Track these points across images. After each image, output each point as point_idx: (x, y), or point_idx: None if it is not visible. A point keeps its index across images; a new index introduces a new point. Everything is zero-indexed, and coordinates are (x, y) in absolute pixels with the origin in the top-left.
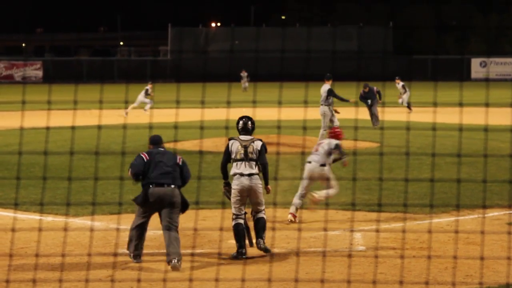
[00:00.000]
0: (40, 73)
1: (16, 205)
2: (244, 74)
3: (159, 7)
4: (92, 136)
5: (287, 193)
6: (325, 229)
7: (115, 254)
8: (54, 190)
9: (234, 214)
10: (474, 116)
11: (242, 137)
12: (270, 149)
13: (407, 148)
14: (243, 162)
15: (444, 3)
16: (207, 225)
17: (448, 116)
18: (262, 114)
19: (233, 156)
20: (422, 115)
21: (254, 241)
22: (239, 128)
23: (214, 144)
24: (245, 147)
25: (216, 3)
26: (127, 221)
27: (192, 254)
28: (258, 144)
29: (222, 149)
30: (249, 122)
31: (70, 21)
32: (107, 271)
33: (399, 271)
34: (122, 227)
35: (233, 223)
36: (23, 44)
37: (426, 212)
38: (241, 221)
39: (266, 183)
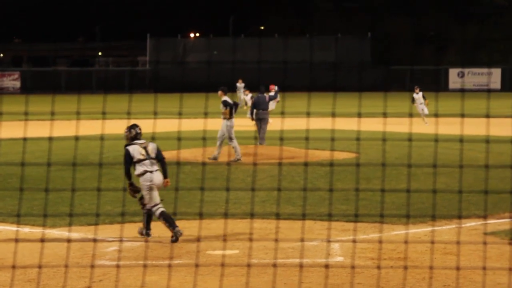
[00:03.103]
0: (18, 84)
1: None
2: (241, 84)
3: (138, 17)
4: (70, 146)
5: (265, 204)
6: (302, 240)
7: (93, 266)
8: (31, 201)
9: (153, 205)
10: (451, 127)
11: (138, 142)
12: (248, 159)
13: (384, 159)
14: (147, 161)
15: (422, 14)
16: (185, 236)
17: (425, 126)
18: (240, 124)
19: (135, 159)
20: (399, 126)
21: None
22: (133, 135)
23: (192, 155)
24: (145, 148)
25: (194, 14)
26: (105, 232)
27: (170, 265)
28: (153, 145)
29: (200, 159)
30: (138, 128)
31: (48, 31)
32: (85, 282)
33: (377, 281)
34: (99, 238)
35: (157, 213)
36: (1, 54)
37: (403, 222)
38: (163, 209)
39: (165, 177)
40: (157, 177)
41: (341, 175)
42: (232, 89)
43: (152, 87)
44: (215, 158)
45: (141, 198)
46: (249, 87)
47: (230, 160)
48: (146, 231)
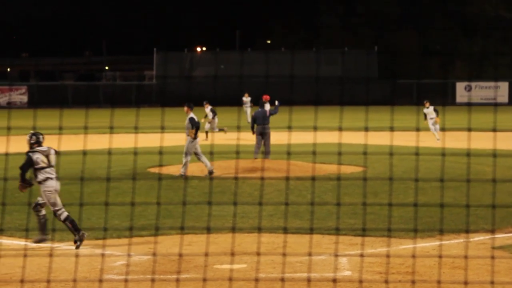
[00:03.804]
0: (25, 98)
1: (1, 231)
2: (247, 98)
3: (144, 31)
4: (77, 161)
5: (272, 218)
6: (310, 254)
7: (101, 280)
8: None
9: (58, 209)
10: (458, 140)
11: (40, 149)
12: (255, 174)
13: (392, 173)
14: (48, 168)
15: (429, 27)
16: (193, 250)
17: (432, 140)
18: (248, 138)
19: (38, 166)
20: (406, 139)
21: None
22: (34, 141)
23: (199, 168)
24: (47, 156)
25: (201, 28)
26: (112, 246)
27: (177, 280)
28: (53, 152)
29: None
30: (41, 136)
31: (55, 46)
32: None
33: None
34: (107, 253)
35: (63, 216)
36: (8, 69)
37: (411, 237)
38: (67, 212)
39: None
40: (58, 183)
41: (348, 189)
42: (239, 103)
43: (158, 101)
44: (182, 175)
45: (37, 203)
46: (255, 101)
47: (206, 175)
48: (80, 234)
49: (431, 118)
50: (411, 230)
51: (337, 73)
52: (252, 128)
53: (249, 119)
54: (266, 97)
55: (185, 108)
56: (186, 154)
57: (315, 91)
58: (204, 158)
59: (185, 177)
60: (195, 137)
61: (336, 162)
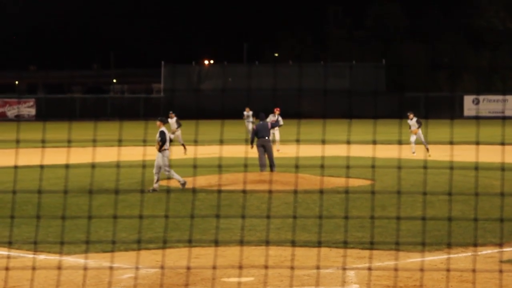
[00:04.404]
0: (33, 111)
1: (10, 244)
2: (248, 112)
3: (152, 44)
4: (85, 174)
5: (280, 231)
6: (318, 267)
7: None
8: (47, 228)
9: None
10: (466, 153)
11: None
12: (263, 187)
13: (400, 186)
14: None
15: (437, 40)
16: (200, 263)
17: (440, 153)
18: (256, 151)
19: None
20: (415, 153)
21: None
22: None
23: (207, 182)
24: None
25: (209, 41)
26: (120, 259)
27: None
28: None
29: (215, 187)
30: None
31: (63, 59)
32: None
33: None
34: (115, 265)
35: None
36: (16, 82)
37: (419, 250)
38: None
39: None
40: None
41: (356, 202)
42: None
43: (166, 114)
44: (154, 190)
45: None
46: (265, 114)
47: (181, 188)
48: None
49: (411, 131)
50: (419, 243)
51: (345, 86)
52: (252, 141)
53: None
54: (277, 110)
55: (158, 123)
56: (166, 169)
57: (323, 104)
58: (172, 172)
59: (184, 184)
60: (159, 150)
61: (344, 175)
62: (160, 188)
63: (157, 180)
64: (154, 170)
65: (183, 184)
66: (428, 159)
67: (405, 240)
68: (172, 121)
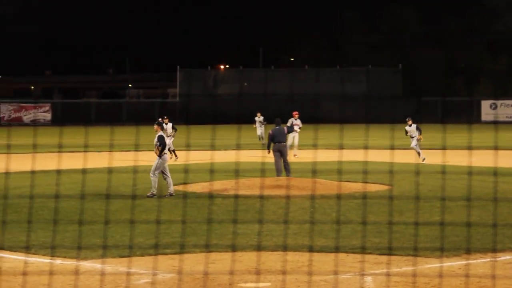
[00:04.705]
0: (48, 116)
1: (27, 248)
2: (259, 118)
3: (168, 49)
4: (102, 178)
5: (297, 236)
6: (335, 273)
7: None
8: (63, 233)
9: None
10: (485, 158)
11: None
12: (279, 192)
13: (418, 191)
14: None
15: (453, 45)
16: (217, 268)
17: (458, 158)
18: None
19: None
20: (432, 158)
21: None
22: None
23: (223, 186)
24: None
25: (224, 46)
26: (136, 264)
27: None
28: None
29: (231, 192)
30: None
31: (78, 63)
32: None
33: None
34: (131, 270)
35: None
36: (32, 87)
37: (437, 256)
38: None
39: None
40: None
41: (373, 208)
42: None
43: (182, 118)
44: (153, 195)
45: None
46: (284, 118)
47: (147, 195)
48: None
49: (412, 137)
50: (437, 249)
51: (362, 91)
52: (268, 146)
53: (262, 139)
54: (295, 114)
55: (155, 127)
56: (164, 174)
57: (340, 109)
58: (169, 179)
59: (170, 195)
60: (160, 155)
61: (361, 180)
62: (176, 193)
63: (170, 184)
64: (163, 177)
65: (152, 195)
66: (424, 163)
67: (423, 246)
68: (168, 126)
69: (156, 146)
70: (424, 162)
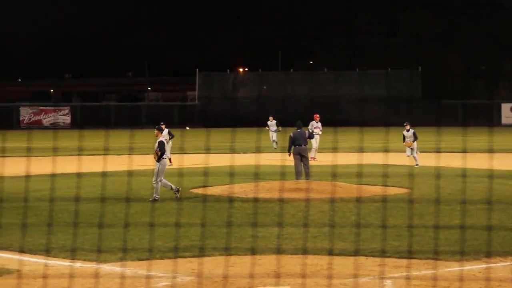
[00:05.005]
0: (68, 119)
1: (47, 251)
2: (271, 122)
3: (187, 52)
4: (122, 181)
5: (316, 239)
6: (355, 276)
7: None
8: (83, 236)
9: None
10: (505, 162)
11: None
12: (299, 195)
13: (438, 194)
14: None
15: (472, 47)
16: (236, 271)
17: (478, 161)
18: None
19: None
20: (452, 161)
21: None
22: None
23: (243, 189)
24: None
25: (243, 49)
26: (155, 267)
27: None
28: None
29: (251, 195)
30: None
31: (98, 67)
32: None
33: None
34: (151, 273)
35: None
36: (51, 90)
37: (457, 259)
38: None
39: None
40: None
41: (393, 211)
42: (282, 124)
43: (201, 122)
44: (155, 200)
45: None
46: (303, 121)
47: (150, 200)
48: None
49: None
50: (457, 252)
51: (381, 94)
52: (289, 149)
53: (275, 144)
54: (316, 117)
55: (155, 132)
56: (157, 177)
57: (359, 112)
58: (159, 185)
59: (155, 200)
60: (158, 160)
61: (381, 184)
62: (196, 197)
63: (172, 187)
64: (157, 179)
65: (154, 200)
66: (416, 167)
67: (443, 249)
68: (165, 132)
69: (156, 151)
70: (417, 166)
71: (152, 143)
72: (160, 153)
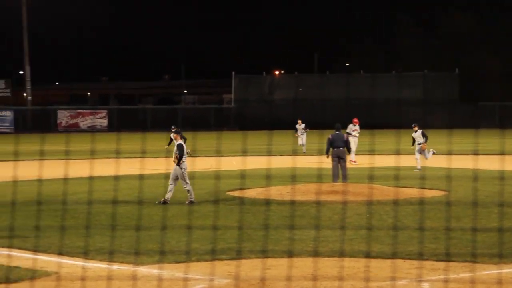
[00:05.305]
0: (105, 122)
1: (85, 254)
2: (300, 125)
3: (223, 55)
4: (158, 184)
5: (353, 242)
6: (392, 279)
7: None
8: (120, 238)
9: None
10: None
11: None
12: (335, 198)
13: (475, 197)
14: None
15: (511, 49)
16: (273, 274)
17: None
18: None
19: None
20: (489, 163)
21: None
22: None
23: (279, 192)
24: None
25: (279, 51)
26: (192, 269)
27: None
28: None
29: (287, 197)
30: None
31: (134, 70)
32: None
33: None
34: (188, 276)
35: None
36: (88, 93)
37: (496, 262)
38: None
39: None
40: None
41: (430, 213)
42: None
43: (237, 124)
44: (165, 202)
45: None
46: (345, 125)
47: (187, 203)
48: None
49: (419, 144)
50: (496, 255)
51: (418, 96)
52: (327, 151)
53: (304, 148)
54: (356, 121)
55: (174, 135)
56: (185, 182)
57: (395, 114)
58: (189, 186)
59: (191, 202)
60: (178, 163)
61: (417, 186)
62: (232, 199)
63: (189, 192)
64: (170, 181)
65: (191, 202)
66: (416, 172)
67: (481, 252)
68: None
69: (175, 154)
70: (417, 171)
71: (188, 146)
72: (179, 157)
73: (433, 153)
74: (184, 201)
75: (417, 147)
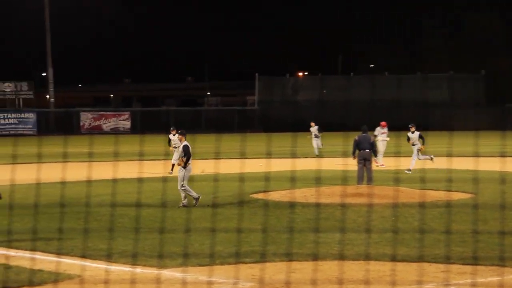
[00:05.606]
0: (128, 124)
1: (108, 257)
2: (314, 127)
3: (246, 57)
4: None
5: (378, 245)
6: (419, 283)
7: None
8: (143, 241)
9: None
10: None
11: None
12: (360, 200)
13: (503, 200)
14: None
15: None
16: (297, 277)
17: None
18: (353, 163)
19: None
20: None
21: None
22: None
23: (303, 194)
24: None
25: (303, 53)
26: (216, 272)
27: None
28: None
29: (311, 200)
30: None
31: (157, 71)
32: None
33: None
34: (212, 279)
35: None
36: (111, 95)
37: None
38: None
39: None
40: None
41: (456, 216)
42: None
43: (261, 126)
44: (184, 206)
45: None
46: (370, 127)
47: (194, 204)
48: None
49: (414, 145)
50: None
51: (443, 98)
52: (354, 152)
53: (316, 151)
54: (384, 124)
55: (179, 136)
56: (184, 184)
57: (421, 116)
58: (188, 188)
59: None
60: (184, 166)
61: (444, 188)
62: (256, 202)
63: (186, 195)
64: (179, 186)
65: (197, 199)
66: (408, 172)
67: (509, 256)
68: (175, 137)
69: (181, 156)
70: (408, 172)
71: (211, 148)
72: (185, 158)
73: (431, 159)
74: (206, 204)
75: (414, 148)
